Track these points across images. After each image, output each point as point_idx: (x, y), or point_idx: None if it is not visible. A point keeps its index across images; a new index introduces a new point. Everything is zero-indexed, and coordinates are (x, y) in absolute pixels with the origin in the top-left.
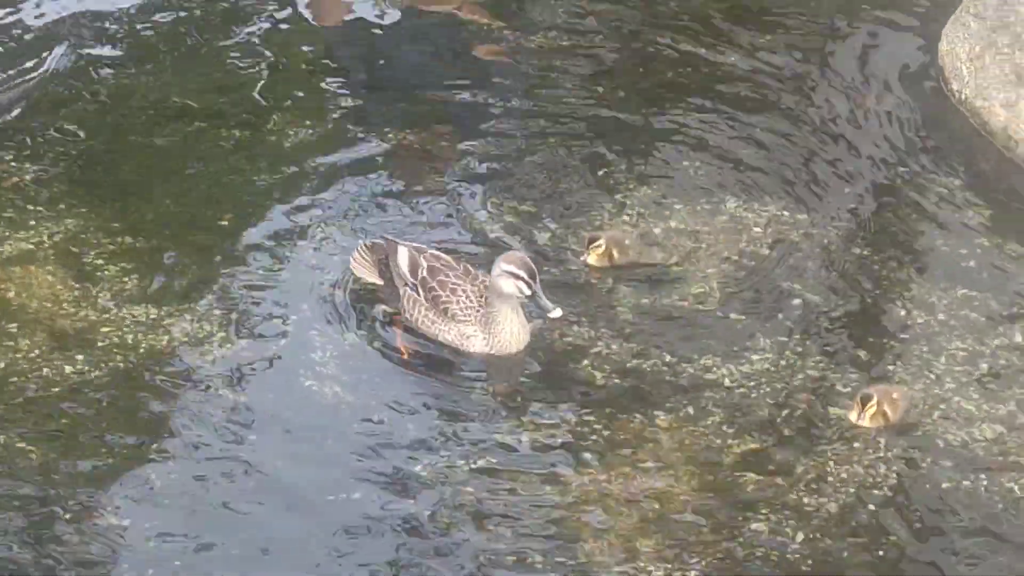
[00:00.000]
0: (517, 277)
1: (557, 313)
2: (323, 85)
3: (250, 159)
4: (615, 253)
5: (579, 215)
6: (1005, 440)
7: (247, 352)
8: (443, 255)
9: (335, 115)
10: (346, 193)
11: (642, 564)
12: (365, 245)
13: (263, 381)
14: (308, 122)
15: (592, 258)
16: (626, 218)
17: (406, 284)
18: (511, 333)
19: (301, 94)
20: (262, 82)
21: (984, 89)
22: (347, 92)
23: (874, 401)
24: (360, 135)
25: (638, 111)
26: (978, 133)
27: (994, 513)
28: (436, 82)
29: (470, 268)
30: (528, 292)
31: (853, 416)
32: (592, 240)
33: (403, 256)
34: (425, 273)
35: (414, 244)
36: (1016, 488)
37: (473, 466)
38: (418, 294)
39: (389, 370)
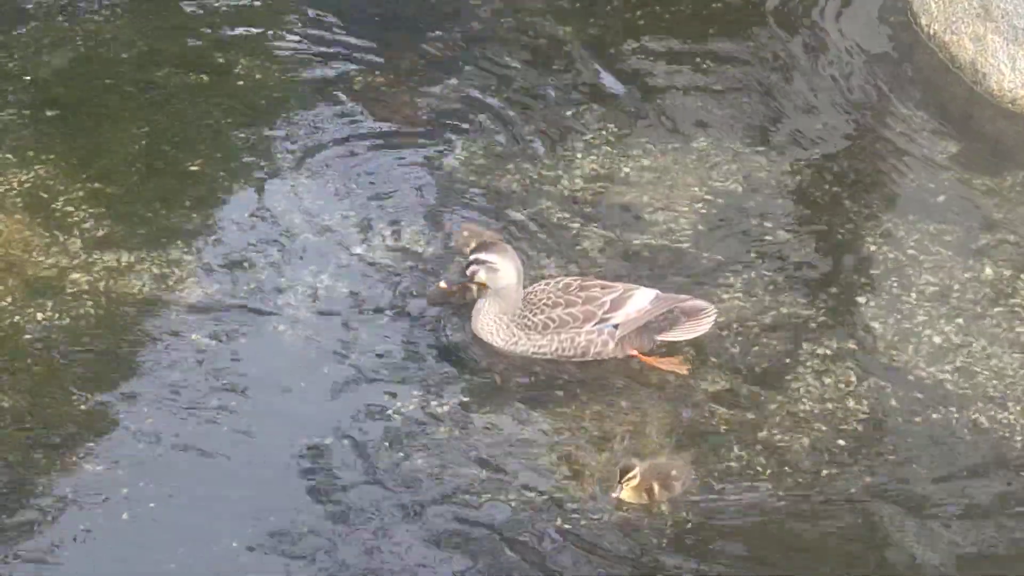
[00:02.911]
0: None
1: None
2: (290, 29)
3: (218, 104)
4: (656, 487)
5: (549, 155)
6: (974, 373)
7: (218, 297)
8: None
9: (302, 59)
10: (314, 137)
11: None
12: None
13: (234, 326)
14: (275, 66)
15: (626, 493)
16: (595, 157)
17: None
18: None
19: (268, 38)
20: (229, 26)
21: (952, 23)
22: (314, 36)
23: (635, 472)
24: (328, 79)
25: (607, 51)
26: (947, 67)
27: (963, 444)
28: (404, 24)
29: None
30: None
31: (613, 491)
32: (625, 471)
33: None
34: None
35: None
36: (984, 420)
37: (446, 406)
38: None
39: (360, 314)
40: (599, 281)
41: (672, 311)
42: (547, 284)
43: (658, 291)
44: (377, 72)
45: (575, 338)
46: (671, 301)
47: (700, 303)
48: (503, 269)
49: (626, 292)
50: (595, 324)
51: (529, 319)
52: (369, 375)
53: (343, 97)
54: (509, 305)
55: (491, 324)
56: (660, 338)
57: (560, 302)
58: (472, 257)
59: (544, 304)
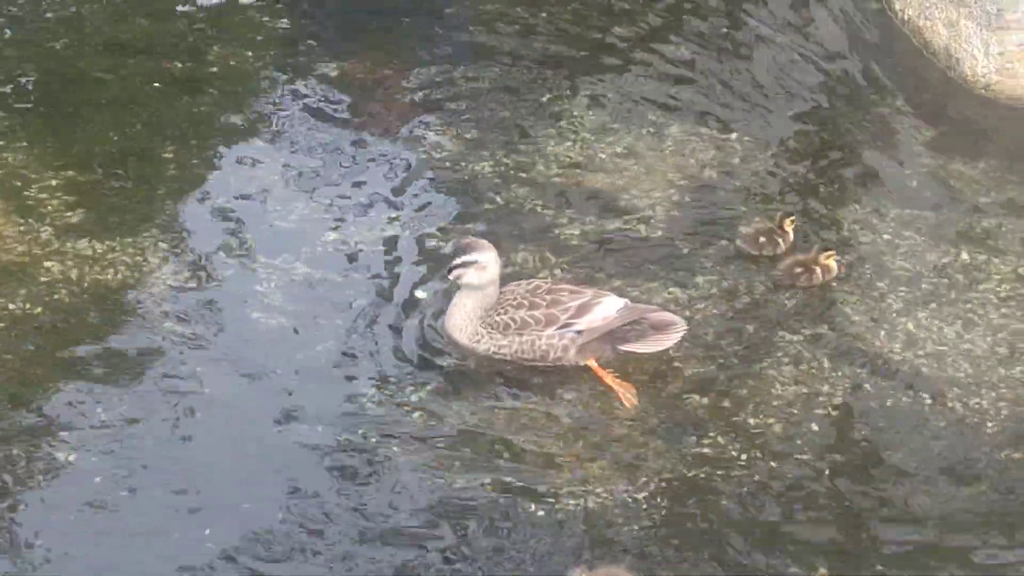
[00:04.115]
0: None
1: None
2: (263, 15)
3: (192, 91)
4: None
5: (524, 142)
6: (947, 358)
7: (192, 284)
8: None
9: (277, 45)
10: (289, 124)
11: (590, 487)
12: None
13: (209, 313)
14: (249, 53)
15: None
16: (570, 143)
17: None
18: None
19: (242, 24)
20: (203, 13)
21: (926, 9)
22: (288, 21)
23: None
24: (302, 65)
25: (583, 37)
26: (921, 53)
27: (936, 430)
28: (379, 11)
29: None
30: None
31: None
32: None
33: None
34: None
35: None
36: (959, 406)
37: (420, 393)
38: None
39: (334, 301)
40: (569, 286)
41: (640, 322)
42: (519, 285)
43: (627, 300)
44: (352, 59)
45: (535, 341)
46: (639, 312)
47: (669, 317)
48: (490, 264)
49: (594, 299)
50: (557, 329)
51: (493, 318)
52: (344, 363)
53: (318, 84)
54: (491, 299)
55: (461, 320)
56: (623, 349)
57: (524, 304)
58: (458, 261)
59: (509, 305)
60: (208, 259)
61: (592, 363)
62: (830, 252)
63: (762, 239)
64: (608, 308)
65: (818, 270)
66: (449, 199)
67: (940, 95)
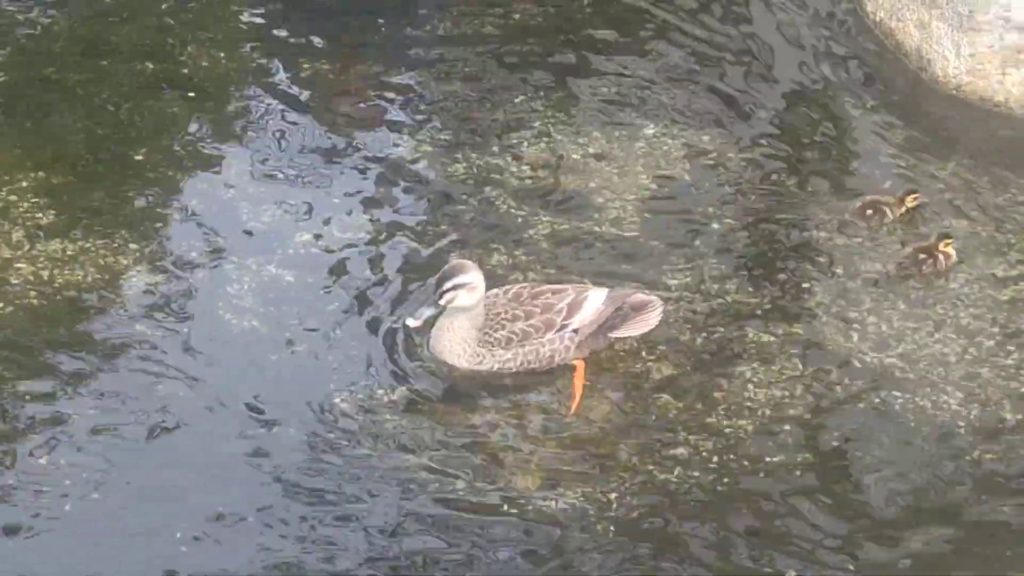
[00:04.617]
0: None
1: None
2: (236, 15)
3: (164, 92)
4: None
5: (496, 144)
6: (918, 358)
7: (164, 286)
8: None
9: (248, 45)
10: (261, 125)
11: (562, 490)
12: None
13: (180, 315)
14: (221, 54)
15: None
16: (543, 145)
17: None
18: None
19: (213, 25)
20: (175, 13)
21: (898, 10)
22: (261, 21)
23: None
24: (274, 65)
25: (557, 38)
26: (893, 54)
27: (907, 430)
28: (352, 12)
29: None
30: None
31: None
32: None
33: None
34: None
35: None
36: (929, 405)
37: (393, 396)
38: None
39: (306, 302)
40: (548, 285)
41: (621, 307)
42: (498, 296)
43: (607, 289)
44: (324, 60)
45: (539, 349)
46: (620, 297)
47: (644, 297)
48: (478, 283)
49: (579, 295)
50: (556, 332)
51: (491, 335)
52: (316, 364)
53: (290, 84)
54: (480, 318)
55: (457, 346)
56: (613, 335)
57: (520, 314)
58: (449, 284)
59: (504, 319)
60: (180, 261)
61: (580, 363)
62: (949, 240)
63: (869, 211)
64: (595, 301)
65: (940, 257)
66: (422, 201)
67: (911, 96)
